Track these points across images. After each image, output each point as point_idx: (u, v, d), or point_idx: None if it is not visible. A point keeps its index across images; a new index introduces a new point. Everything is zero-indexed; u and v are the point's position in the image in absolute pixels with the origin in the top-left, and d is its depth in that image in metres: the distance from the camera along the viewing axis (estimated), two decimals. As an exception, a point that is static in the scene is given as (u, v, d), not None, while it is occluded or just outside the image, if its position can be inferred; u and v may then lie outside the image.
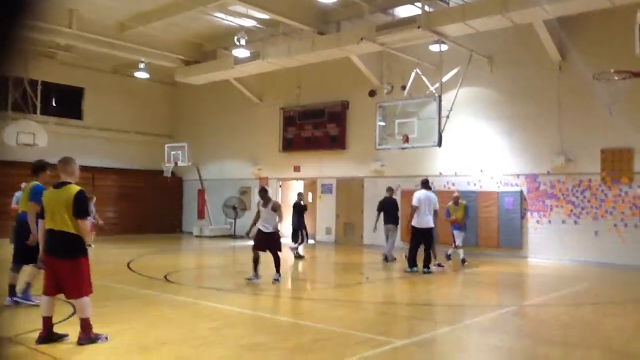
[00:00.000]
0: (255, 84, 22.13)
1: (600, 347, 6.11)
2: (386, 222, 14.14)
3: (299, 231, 15.09)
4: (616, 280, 11.93)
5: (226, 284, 9.96)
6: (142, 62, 20.52)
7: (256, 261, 10.25)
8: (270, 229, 10.28)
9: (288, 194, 22.40)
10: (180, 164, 21.97)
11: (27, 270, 7.59)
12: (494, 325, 7.37)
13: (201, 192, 23.43)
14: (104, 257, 14.71)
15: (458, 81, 14.91)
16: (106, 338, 5.70)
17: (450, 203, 13.71)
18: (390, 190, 14.66)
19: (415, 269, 11.94)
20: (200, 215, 23.60)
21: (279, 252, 10.34)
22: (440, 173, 17.33)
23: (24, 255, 7.37)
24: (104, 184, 21.83)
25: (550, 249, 15.16)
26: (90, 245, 16.09)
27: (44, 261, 5.71)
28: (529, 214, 15.61)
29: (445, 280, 11.46)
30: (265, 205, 10.41)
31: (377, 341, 6.03)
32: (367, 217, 19.01)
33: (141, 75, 21.45)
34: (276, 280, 10.14)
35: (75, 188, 5.69)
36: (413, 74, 15.03)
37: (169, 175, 22.46)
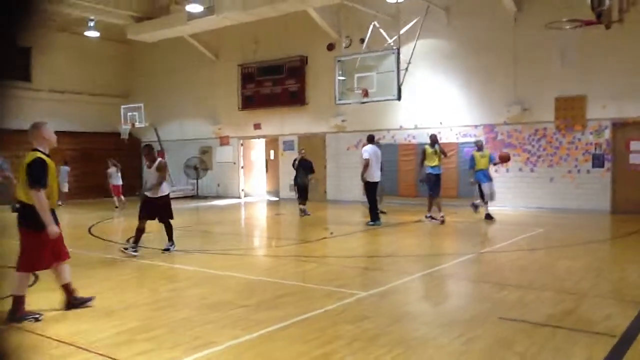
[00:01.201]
0: (211, 40, 21.59)
1: (553, 288, 6.39)
2: None
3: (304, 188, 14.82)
4: (570, 224, 12.39)
5: (189, 245, 9.93)
6: (91, 19, 19.72)
7: (141, 232, 8.89)
8: (156, 194, 8.90)
9: (250, 153, 22.28)
10: (137, 125, 21.50)
11: None
12: (453, 272, 7.60)
13: (160, 153, 22.99)
14: (64, 222, 14.45)
15: (416, 33, 14.86)
16: (35, 319, 5.18)
17: (474, 151, 13.11)
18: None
19: (379, 222, 12.15)
20: (161, 176, 23.28)
21: (170, 220, 9.07)
22: (401, 126, 17.44)
23: None
24: (58, 148, 20.99)
25: (508, 197, 15.58)
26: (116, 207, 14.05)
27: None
28: (487, 163, 15.91)
29: (406, 232, 11.69)
30: (150, 165, 8.97)
31: (341, 294, 6.16)
32: (330, 172, 19.13)
33: (91, 34, 20.64)
34: (167, 250, 9.02)
35: (31, 156, 5.23)
36: (371, 27, 14.90)
37: (126, 137, 21.98)
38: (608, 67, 13.91)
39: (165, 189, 9.01)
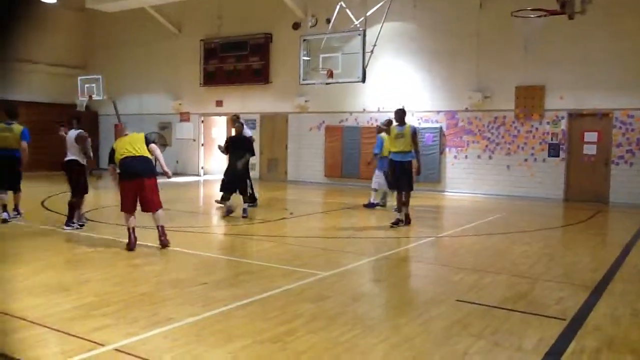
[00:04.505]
0: (174, 13, 21.07)
1: (508, 272, 6.55)
2: None
3: None
4: (525, 211, 12.71)
5: (146, 222, 9.74)
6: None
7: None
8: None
9: (210, 130, 21.96)
10: (95, 97, 20.87)
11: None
12: (412, 255, 7.71)
13: (118, 127, 22.48)
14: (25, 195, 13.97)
15: (382, 15, 14.81)
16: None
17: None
18: None
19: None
20: (119, 151, 22.75)
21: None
22: (364, 109, 17.48)
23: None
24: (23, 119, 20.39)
25: (467, 183, 15.87)
26: None
27: None
28: (447, 149, 16.16)
29: (368, 214, 11.77)
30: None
31: (301, 273, 6.17)
32: (291, 152, 19.06)
33: (48, 0, 19.82)
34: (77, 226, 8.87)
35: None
36: (338, 7, 14.76)
37: (83, 109, 21.31)
38: (567, 57, 14.22)
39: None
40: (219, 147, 11.25)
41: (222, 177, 11.25)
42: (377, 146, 11.96)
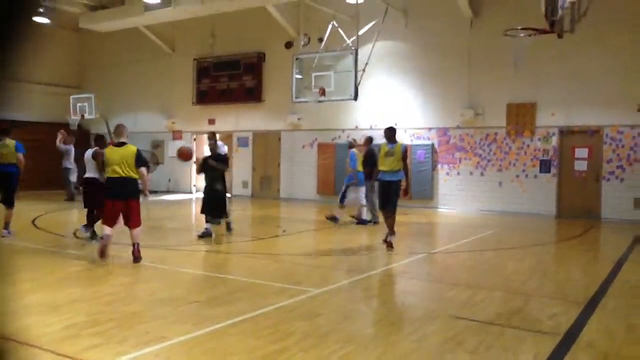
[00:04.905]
0: (167, 32, 21.19)
1: (502, 288, 6.55)
2: None
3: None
4: (517, 227, 12.74)
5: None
6: (43, 5, 19.00)
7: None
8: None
9: (203, 148, 21.94)
10: (87, 116, 20.83)
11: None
12: (405, 271, 7.69)
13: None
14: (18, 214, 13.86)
15: (374, 34, 14.97)
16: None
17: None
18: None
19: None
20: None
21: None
22: (357, 126, 17.56)
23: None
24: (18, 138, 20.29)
25: (459, 199, 15.92)
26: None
27: None
28: (439, 166, 16.23)
29: (360, 231, 11.76)
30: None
31: (294, 290, 6.13)
32: (284, 170, 19.07)
33: (42, 20, 19.90)
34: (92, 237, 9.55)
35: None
36: (330, 26, 14.91)
37: (75, 128, 21.27)
38: (558, 75, 14.39)
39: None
40: (195, 162, 11.02)
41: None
42: (352, 160, 12.34)
